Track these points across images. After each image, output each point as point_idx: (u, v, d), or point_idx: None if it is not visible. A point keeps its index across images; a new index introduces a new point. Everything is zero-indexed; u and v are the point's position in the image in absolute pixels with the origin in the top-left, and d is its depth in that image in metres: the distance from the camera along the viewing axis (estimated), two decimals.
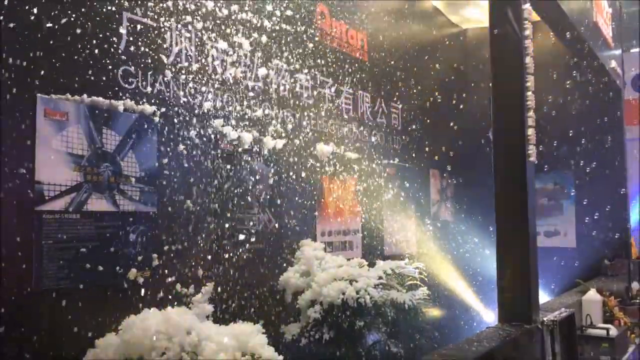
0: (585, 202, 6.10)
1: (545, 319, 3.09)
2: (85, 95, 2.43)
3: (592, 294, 4.42)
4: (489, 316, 5.45)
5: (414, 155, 5.10)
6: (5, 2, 2.17)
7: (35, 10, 2.27)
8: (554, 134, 5.94)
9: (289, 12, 3.63)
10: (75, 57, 2.41)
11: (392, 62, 4.85)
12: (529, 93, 3.06)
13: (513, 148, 3.05)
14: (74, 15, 2.41)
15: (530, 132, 3.04)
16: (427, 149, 5.34)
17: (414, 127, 5.15)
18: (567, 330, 3.27)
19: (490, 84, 3.13)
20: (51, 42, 2.32)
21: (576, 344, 3.50)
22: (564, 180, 6.20)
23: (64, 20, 2.37)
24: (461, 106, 5.84)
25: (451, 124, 5.67)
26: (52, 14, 2.33)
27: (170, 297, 2.72)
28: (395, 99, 4.90)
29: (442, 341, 3.91)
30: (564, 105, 6.05)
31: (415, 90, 5.18)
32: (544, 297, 4.40)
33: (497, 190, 3.12)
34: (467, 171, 5.91)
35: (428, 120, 5.36)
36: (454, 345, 2.60)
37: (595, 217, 6.03)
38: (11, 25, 2.19)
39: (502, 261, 3.07)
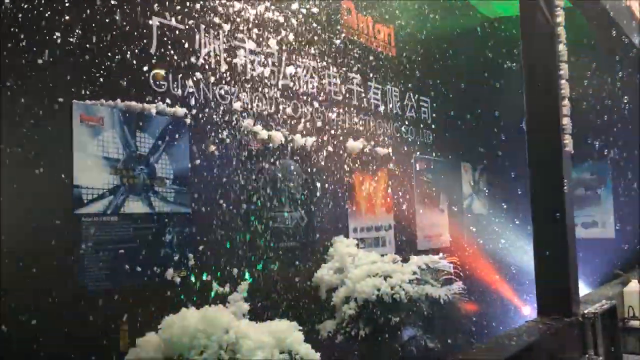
0: (623, 192, 5.93)
1: (586, 311, 3.02)
2: (119, 100, 2.47)
3: (634, 285, 4.31)
4: (526, 310, 5.36)
5: (444, 148, 5.04)
6: (42, 14, 2.23)
7: (68, 19, 2.32)
8: (590, 122, 5.79)
9: (314, 10, 3.63)
10: (108, 63, 2.46)
11: (420, 56, 4.80)
12: (563, 81, 2.99)
13: (548, 138, 2.99)
14: (105, 22, 2.46)
15: (566, 121, 2.97)
16: (457, 141, 5.27)
17: (444, 120, 5.09)
18: (608, 323, 3.19)
19: (523, 74, 3.07)
20: (84, 49, 2.37)
21: (618, 336, 3.42)
22: (601, 170, 6.04)
23: (95, 28, 2.42)
24: (492, 97, 5.75)
25: (482, 116, 5.59)
26: (85, 21, 2.38)
27: (207, 295, 2.76)
28: (424, 92, 4.85)
29: (479, 336, 3.87)
30: (599, 92, 5.89)
31: (444, 83, 5.12)
32: (583, 289, 4.30)
33: (532, 181, 3.05)
34: (500, 163, 5.81)
35: (458, 113, 5.29)
36: (494, 339, 2.57)
37: (634, 206, 5.86)
38: (46, 34, 2.25)
39: (540, 254, 3.01)
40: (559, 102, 2.95)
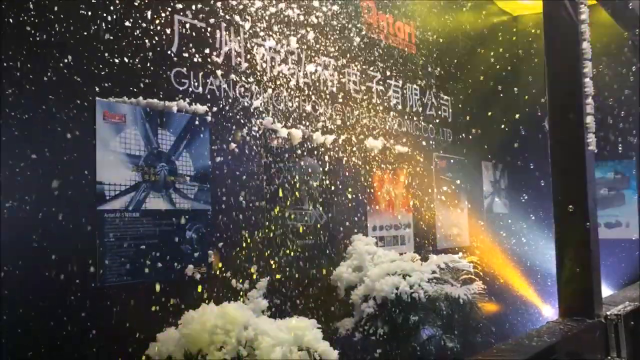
0: None
1: (608, 313, 2.97)
2: (141, 98, 2.50)
3: None
4: (547, 311, 5.30)
5: (465, 147, 5.00)
6: (65, 14, 2.27)
7: (91, 18, 2.35)
8: (613, 120, 5.69)
9: (335, 7, 3.62)
10: (131, 61, 2.49)
11: (441, 54, 4.77)
12: (587, 79, 2.93)
13: (571, 137, 2.94)
14: (127, 21, 2.49)
15: (589, 120, 2.91)
16: (478, 140, 5.23)
17: (464, 118, 5.05)
18: (632, 325, 3.13)
19: (545, 72, 3.02)
20: (107, 47, 2.41)
21: None
22: (625, 168, 5.93)
23: (118, 27, 2.45)
24: (513, 96, 5.68)
25: (504, 114, 5.53)
26: (108, 21, 2.41)
27: (226, 292, 2.78)
28: (444, 90, 4.82)
29: (499, 337, 3.83)
30: (622, 89, 5.78)
31: (465, 81, 5.08)
32: (606, 290, 4.23)
33: (554, 181, 3.01)
34: (522, 162, 5.75)
35: (479, 111, 5.24)
36: (514, 340, 2.54)
37: None
38: (71, 34, 2.28)
39: (561, 254, 2.97)
40: (583, 101, 2.89)
